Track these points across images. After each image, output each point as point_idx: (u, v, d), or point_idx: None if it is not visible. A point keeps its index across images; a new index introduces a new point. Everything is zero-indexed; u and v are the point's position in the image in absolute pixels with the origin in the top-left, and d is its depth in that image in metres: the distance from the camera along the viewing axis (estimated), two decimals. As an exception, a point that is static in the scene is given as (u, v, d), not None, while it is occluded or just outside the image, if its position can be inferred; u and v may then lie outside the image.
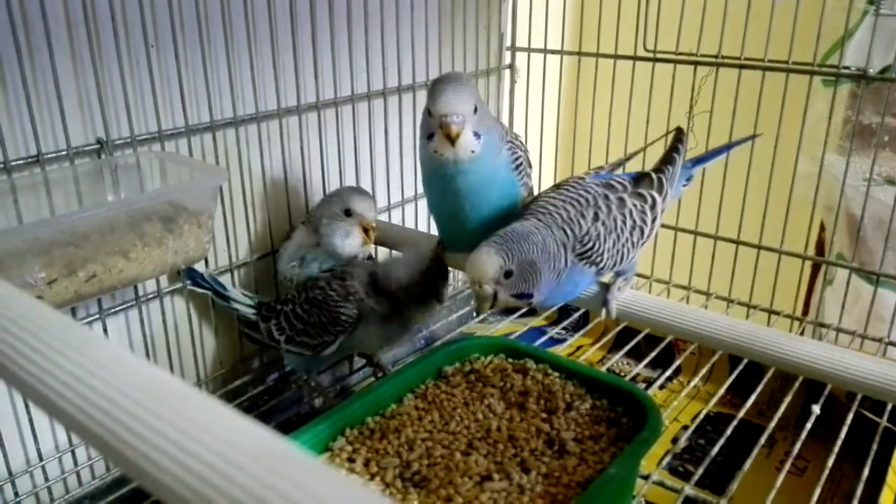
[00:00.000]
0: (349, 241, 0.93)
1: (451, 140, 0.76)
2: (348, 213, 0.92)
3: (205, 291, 0.93)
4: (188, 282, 0.91)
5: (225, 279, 0.96)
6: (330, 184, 1.07)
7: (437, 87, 0.77)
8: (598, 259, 0.73)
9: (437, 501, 0.62)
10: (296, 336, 0.88)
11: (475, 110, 0.76)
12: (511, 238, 0.71)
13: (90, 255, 0.71)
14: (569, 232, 0.73)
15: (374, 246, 1.03)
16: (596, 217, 0.73)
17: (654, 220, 0.78)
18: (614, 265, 0.76)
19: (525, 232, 0.72)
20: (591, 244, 0.73)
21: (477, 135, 0.77)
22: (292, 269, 0.94)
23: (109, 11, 0.77)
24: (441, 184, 0.81)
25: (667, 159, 0.84)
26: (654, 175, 0.79)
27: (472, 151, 0.77)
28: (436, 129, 0.77)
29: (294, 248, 0.95)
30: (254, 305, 0.94)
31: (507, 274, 0.71)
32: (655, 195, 0.78)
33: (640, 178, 0.79)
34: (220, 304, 0.94)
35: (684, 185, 0.90)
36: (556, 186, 0.79)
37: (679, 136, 0.87)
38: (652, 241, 1.17)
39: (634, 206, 0.76)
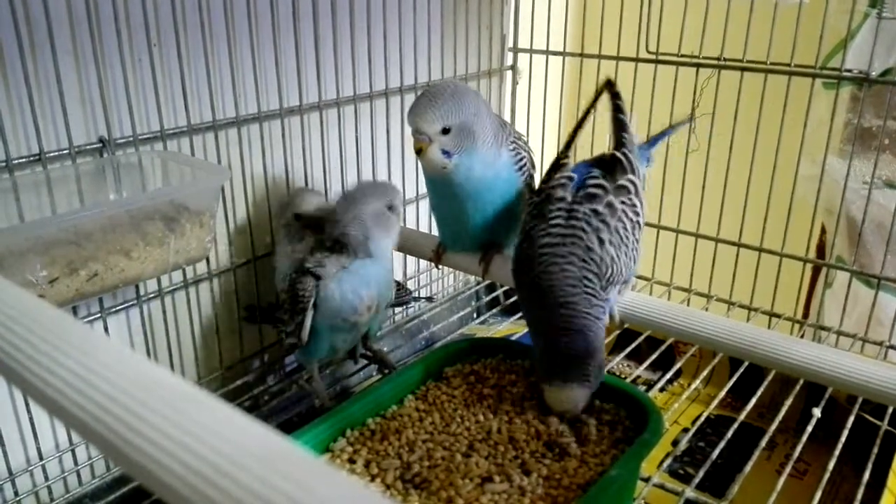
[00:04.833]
0: None
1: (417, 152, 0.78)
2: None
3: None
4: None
5: (227, 278, 0.96)
6: (332, 184, 1.07)
7: (417, 99, 0.78)
8: (620, 277, 0.72)
9: (438, 503, 0.62)
10: (286, 333, 0.89)
11: (445, 131, 0.77)
12: (589, 364, 0.70)
13: (92, 253, 0.71)
14: (592, 278, 0.70)
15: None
16: (601, 241, 0.70)
17: (642, 204, 0.75)
18: (630, 272, 0.75)
19: (590, 344, 0.70)
20: (610, 270, 0.70)
21: (447, 154, 0.78)
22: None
23: (112, 10, 0.77)
24: (442, 187, 0.82)
25: (618, 125, 0.80)
26: (620, 155, 0.75)
27: (444, 168, 0.79)
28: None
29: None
30: None
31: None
32: (633, 178, 0.75)
33: (610, 166, 0.75)
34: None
35: (646, 168, 0.89)
36: (545, 219, 0.72)
37: (612, 91, 0.82)
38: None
39: (623, 203, 0.73)
